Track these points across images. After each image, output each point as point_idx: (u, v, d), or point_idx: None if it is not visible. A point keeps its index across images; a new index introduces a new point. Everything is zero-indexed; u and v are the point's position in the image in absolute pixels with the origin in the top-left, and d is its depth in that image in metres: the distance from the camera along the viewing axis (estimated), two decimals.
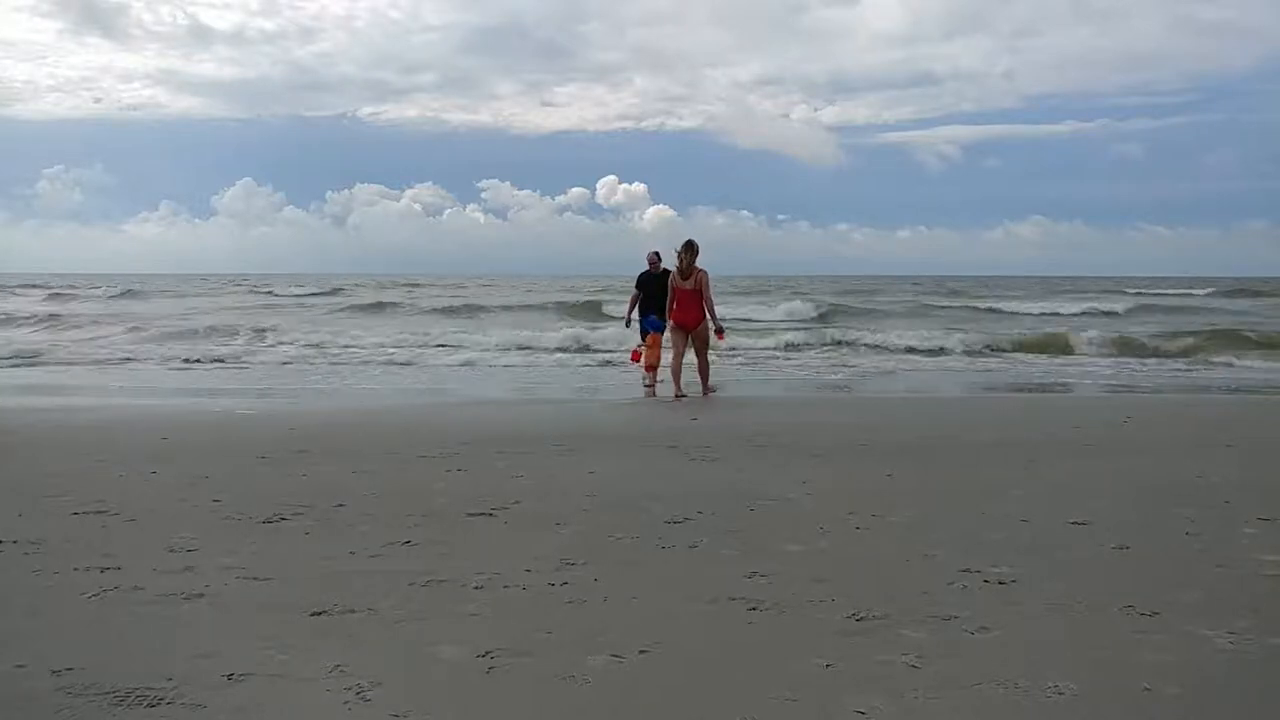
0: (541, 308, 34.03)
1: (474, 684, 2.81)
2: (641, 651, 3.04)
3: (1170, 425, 8.93)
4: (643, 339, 11.50)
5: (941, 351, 19.66)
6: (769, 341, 20.99)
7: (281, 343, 21.32)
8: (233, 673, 2.84)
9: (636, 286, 11.57)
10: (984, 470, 6.27)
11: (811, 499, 5.33)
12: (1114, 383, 14.62)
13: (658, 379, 11.42)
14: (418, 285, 56.81)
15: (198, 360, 17.85)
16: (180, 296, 45.46)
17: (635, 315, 11.61)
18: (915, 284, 66.23)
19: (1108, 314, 32.57)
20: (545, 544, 4.31)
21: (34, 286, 51.54)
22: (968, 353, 19.50)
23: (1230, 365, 17.58)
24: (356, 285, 56.64)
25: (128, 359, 18.34)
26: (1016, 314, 33.31)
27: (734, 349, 17.98)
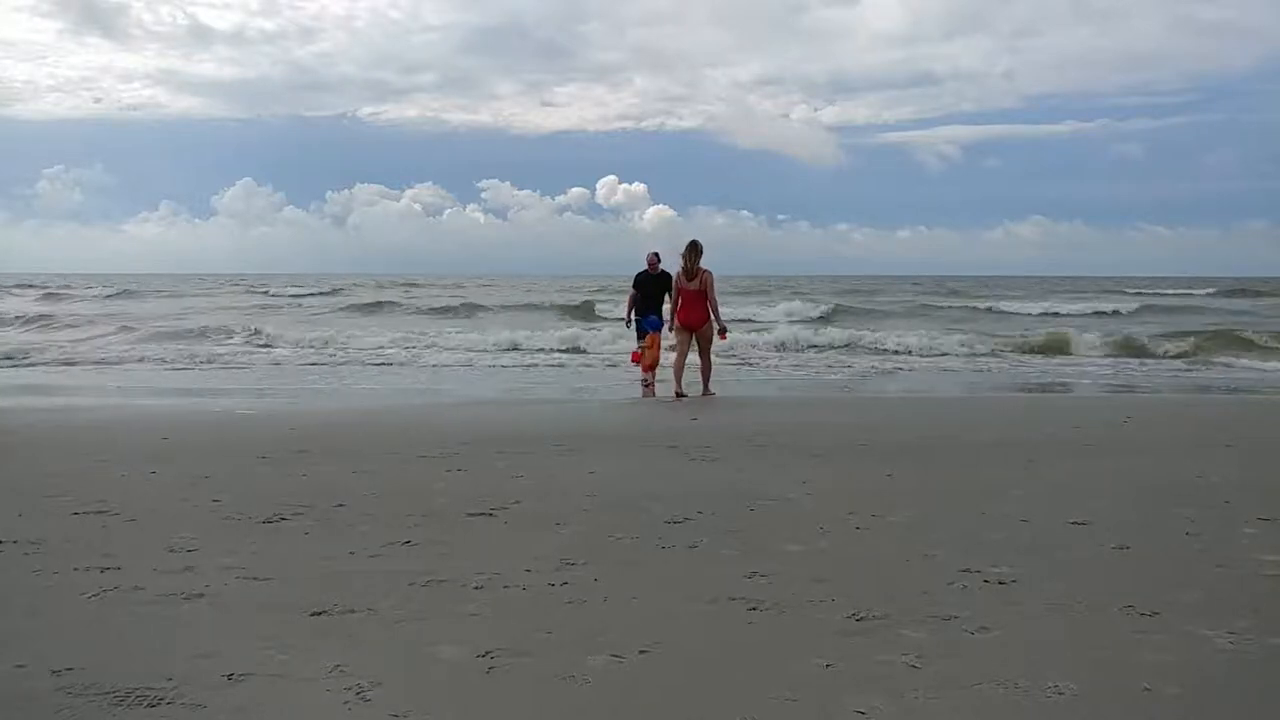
0: (541, 307, 34.09)
1: (474, 684, 2.81)
2: (641, 651, 3.04)
3: (1170, 425, 8.93)
4: (641, 339, 11.50)
5: (941, 352, 19.67)
6: (769, 340, 21.02)
7: (274, 346, 21.13)
8: (233, 673, 2.84)
9: (634, 286, 11.57)
10: (984, 470, 6.27)
11: (811, 499, 5.33)
12: (1114, 383, 14.65)
13: (657, 378, 11.44)
14: (416, 285, 56.85)
15: (197, 359, 17.82)
16: (177, 296, 45.48)
17: (634, 315, 11.61)
18: (915, 284, 66.34)
19: (1108, 314, 32.64)
20: (545, 544, 4.31)
21: (30, 286, 51.57)
22: (968, 353, 19.51)
23: (1230, 365, 17.60)
24: (355, 285, 56.66)
25: (114, 361, 18.11)
26: (1016, 314, 33.43)
27: (733, 348, 17.98)
